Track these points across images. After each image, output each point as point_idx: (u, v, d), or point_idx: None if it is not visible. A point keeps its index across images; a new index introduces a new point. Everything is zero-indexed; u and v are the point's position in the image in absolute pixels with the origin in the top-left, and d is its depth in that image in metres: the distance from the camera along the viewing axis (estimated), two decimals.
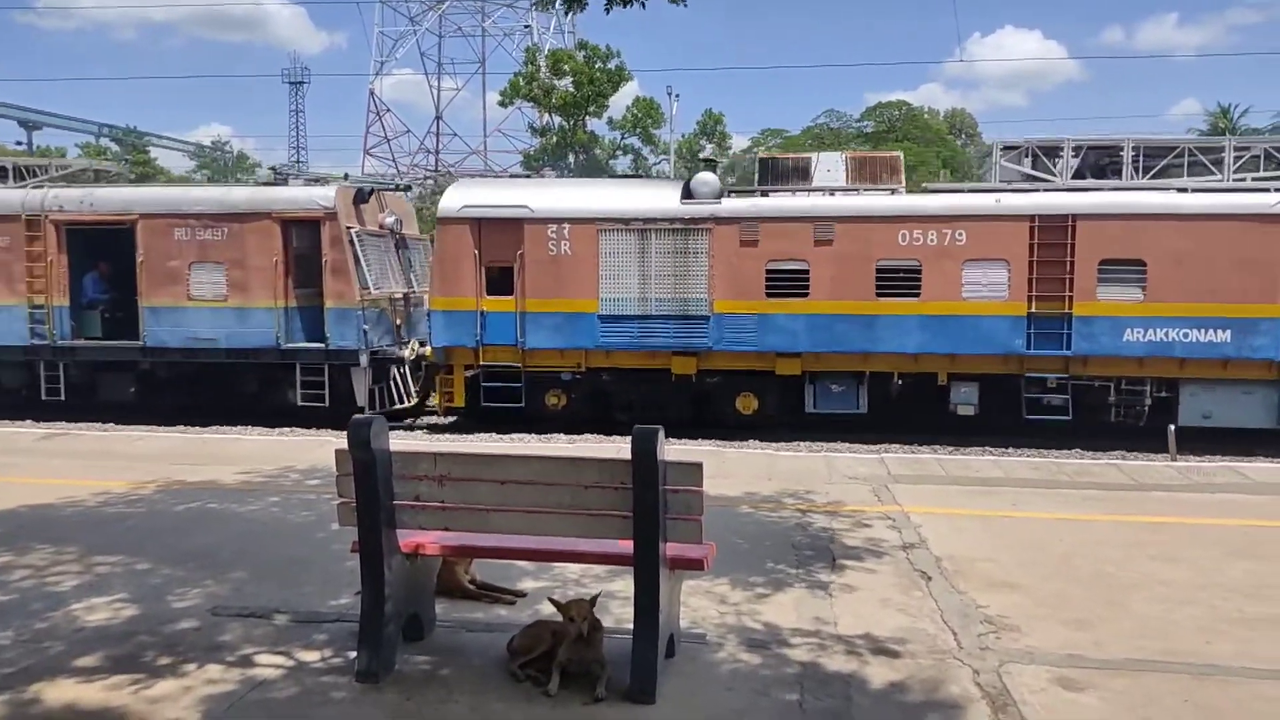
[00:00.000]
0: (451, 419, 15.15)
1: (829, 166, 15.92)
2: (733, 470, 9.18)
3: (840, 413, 13.74)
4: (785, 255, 13.52)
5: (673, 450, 4.46)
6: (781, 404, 13.99)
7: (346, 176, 20.87)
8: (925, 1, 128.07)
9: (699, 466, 4.14)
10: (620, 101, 47.53)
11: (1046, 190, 14.09)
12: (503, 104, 52.55)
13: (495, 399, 14.12)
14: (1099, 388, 13.37)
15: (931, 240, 13.14)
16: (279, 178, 16.44)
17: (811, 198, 14.28)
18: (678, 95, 35.12)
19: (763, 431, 13.36)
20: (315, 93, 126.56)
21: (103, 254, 15.54)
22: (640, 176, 26.38)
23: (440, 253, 14.39)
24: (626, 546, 4.12)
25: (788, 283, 13.47)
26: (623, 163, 48.16)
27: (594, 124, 47.33)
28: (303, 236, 14.59)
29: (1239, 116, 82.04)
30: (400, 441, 7.23)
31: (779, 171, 16.04)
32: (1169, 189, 13.53)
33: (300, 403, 14.58)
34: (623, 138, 48.75)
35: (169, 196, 15.66)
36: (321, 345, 14.40)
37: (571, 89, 44.21)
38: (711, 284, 13.56)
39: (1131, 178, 15.35)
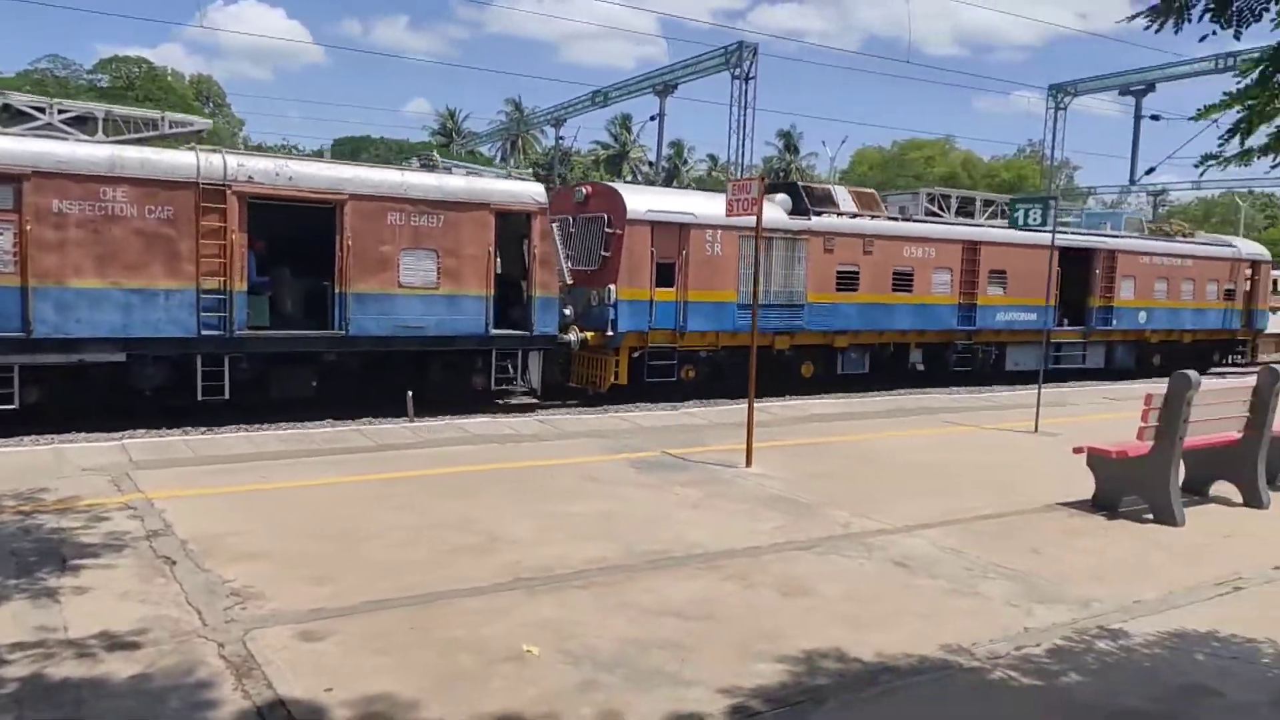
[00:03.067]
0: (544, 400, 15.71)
1: (842, 196, 19.45)
2: None
3: (856, 373, 18.92)
4: (848, 261, 18.39)
5: None
6: (827, 369, 18.62)
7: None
8: None
9: None
10: None
11: (968, 225, 21.02)
12: None
13: (653, 375, 16.39)
14: (981, 348, 20.70)
15: (919, 254, 19.14)
16: (426, 164, 16.46)
17: (858, 220, 18.79)
18: None
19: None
20: None
21: (262, 232, 13.07)
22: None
23: (627, 250, 15.89)
24: None
25: (847, 281, 18.32)
26: None
27: None
28: (510, 228, 14.68)
29: (463, 120, 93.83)
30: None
31: (815, 196, 18.83)
32: (997, 227, 20.82)
33: (494, 386, 14.71)
34: None
35: (385, 178, 13.78)
36: (525, 332, 14.66)
37: None
38: (807, 281, 17.76)
39: (973, 216, 22.12)
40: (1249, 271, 26.14)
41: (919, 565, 6.16)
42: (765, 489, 8.19)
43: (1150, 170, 35.67)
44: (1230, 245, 26.73)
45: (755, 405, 9.65)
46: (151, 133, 13.50)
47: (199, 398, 12.40)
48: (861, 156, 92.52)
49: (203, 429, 11.95)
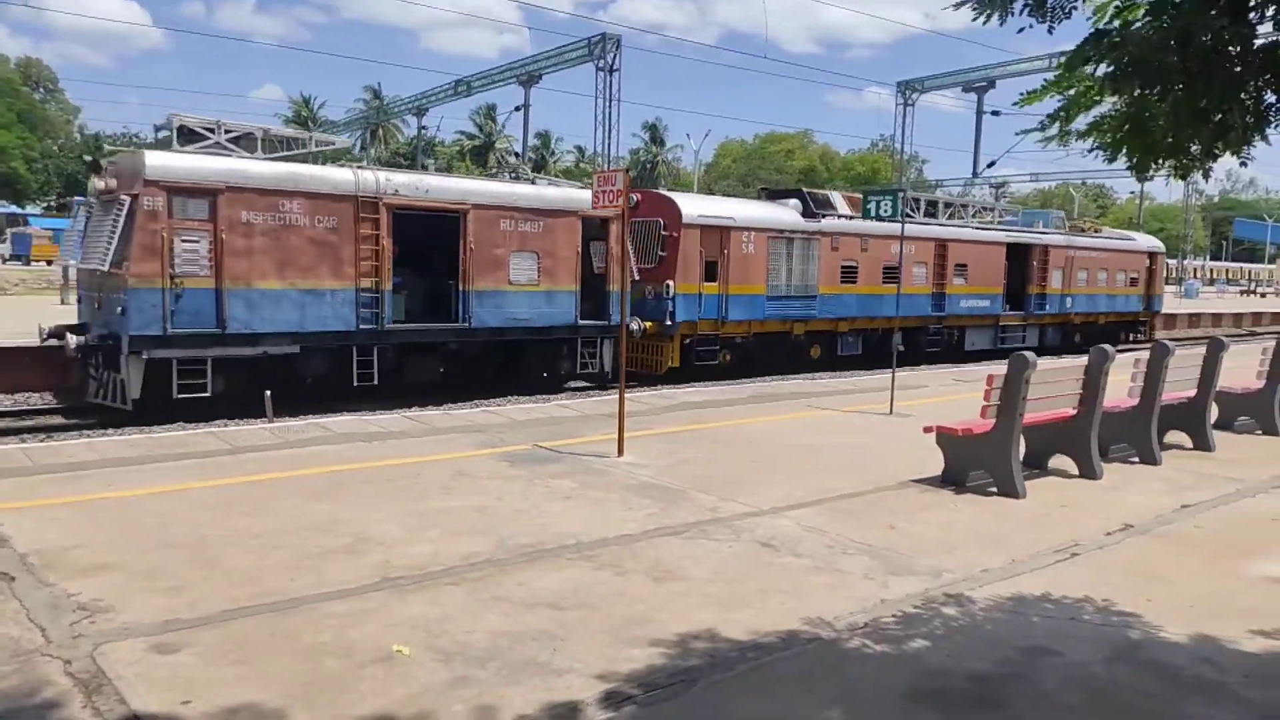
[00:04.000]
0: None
1: (838, 200, 22.11)
2: None
3: (852, 354, 21.59)
4: (849, 257, 21.22)
5: None
6: (830, 351, 21.30)
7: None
8: None
9: None
10: None
11: (936, 224, 23.55)
12: None
13: (699, 359, 18.83)
14: (948, 330, 23.93)
15: (903, 251, 18.60)
16: (514, 176, 19.19)
17: (855, 222, 21.21)
18: None
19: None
20: None
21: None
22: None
23: (682, 251, 18.29)
24: None
25: (849, 274, 21.21)
26: None
27: None
28: (591, 231, 16.94)
29: (319, 107, 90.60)
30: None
31: (818, 201, 21.60)
32: (968, 226, 24.48)
33: (578, 370, 17.21)
34: None
35: (498, 190, 16.38)
36: (604, 322, 17.03)
37: None
38: (819, 275, 20.57)
39: (937, 217, 24.11)
40: (1148, 262, 30.09)
41: (784, 545, 6.37)
42: (636, 477, 8.29)
43: (992, 163, 37.83)
44: (1133, 239, 30.99)
45: (626, 395, 9.74)
46: (300, 150, 15.32)
47: (354, 384, 14.47)
48: (725, 149, 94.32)
49: (42, 436, 11.18)
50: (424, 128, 51.60)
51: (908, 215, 23.87)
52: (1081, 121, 4.24)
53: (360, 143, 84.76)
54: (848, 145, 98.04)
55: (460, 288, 15.41)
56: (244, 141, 14.45)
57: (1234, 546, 6.69)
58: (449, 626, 4.80)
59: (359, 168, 15.05)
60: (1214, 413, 10.89)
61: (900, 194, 12.97)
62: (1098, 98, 4.14)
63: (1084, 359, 8.86)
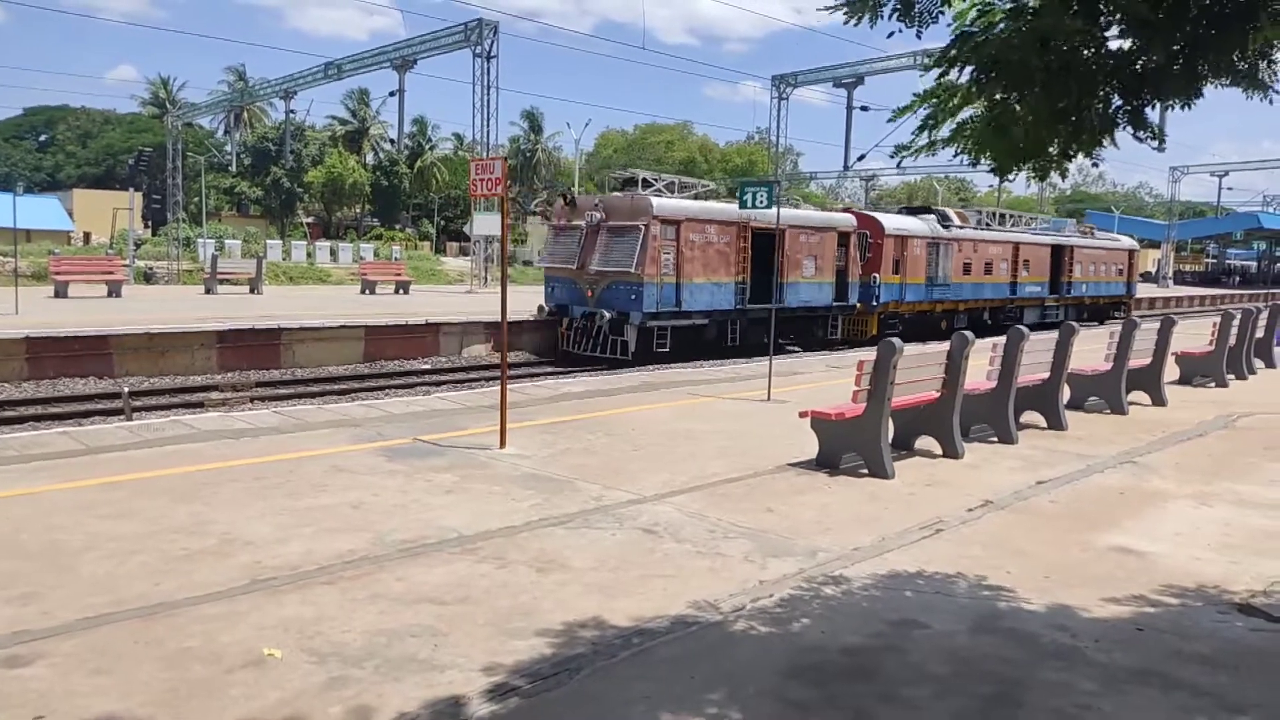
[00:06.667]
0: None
1: (953, 214, 29.95)
2: None
3: (961, 326, 24.83)
4: (966, 256, 29.09)
5: None
6: (950, 325, 26.38)
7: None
8: None
9: None
10: None
11: (1014, 231, 31.85)
12: None
13: (885, 330, 25.54)
14: (1016, 309, 31.50)
15: (994, 251, 28.66)
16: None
17: (967, 230, 29.49)
18: None
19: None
20: None
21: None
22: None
23: (884, 253, 26.26)
24: None
25: (965, 269, 29.01)
26: None
27: None
28: (825, 242, 24.40)
29: (178, 89, 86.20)
30: None
31: (945, 215, 29.44)
32: (1027, 232, 32.60)
33: (829, 336, 25.08)
34: None
35: (800, 214, 24.77)
36: (845, 303, 25.28)
37: None
38: (951, 269, 28.45)
39: (1005, 223, 32.37)
40: (1128, 258, 39.40)
41: (666, 531, 6.45)
42: (520, 469, 8.24)
43: (861, 157, 39.11)
44: (1119, 240, 40.52)
45: (509, 386, 9.66)
46: (688, 191, 22.89)
47: (728, 342, 22.18)
48: (606, 139, 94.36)
49: None
50: (292, 111, 49.63)
51: (986, 225, 31.76)
52: (946, 129, 4.43)
53: (224, 126, 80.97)
54: (726, 137, 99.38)
55: (777, 280, 20.52)
56: (643, 184, 21.84)
57: (1085, 519, 7.14)
58: (324, 627, 4.67)
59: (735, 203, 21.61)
60: (1066, 394, 11.57)
61: (775, 185, 13.27)
62: (961, 104, 4.33)
63: (946, 345, 9.27)
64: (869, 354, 8.62)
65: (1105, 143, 4.33)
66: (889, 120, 4.52)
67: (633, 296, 20.24)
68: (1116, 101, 4.20)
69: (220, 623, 4.68)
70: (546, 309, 22.70)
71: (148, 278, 35.86)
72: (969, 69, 4.11)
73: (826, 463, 8.54)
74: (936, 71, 4.18)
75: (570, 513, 6.87)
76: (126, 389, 12.16)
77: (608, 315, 20.63)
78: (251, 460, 8.32)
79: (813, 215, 25.36)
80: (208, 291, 29.74)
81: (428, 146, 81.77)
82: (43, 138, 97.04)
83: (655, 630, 4.75)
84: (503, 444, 9.09)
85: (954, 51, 4.07)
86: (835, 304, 24.99)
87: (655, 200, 20.66)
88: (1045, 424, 11.02)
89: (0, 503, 6.66)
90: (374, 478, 7.79)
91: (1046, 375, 11.05)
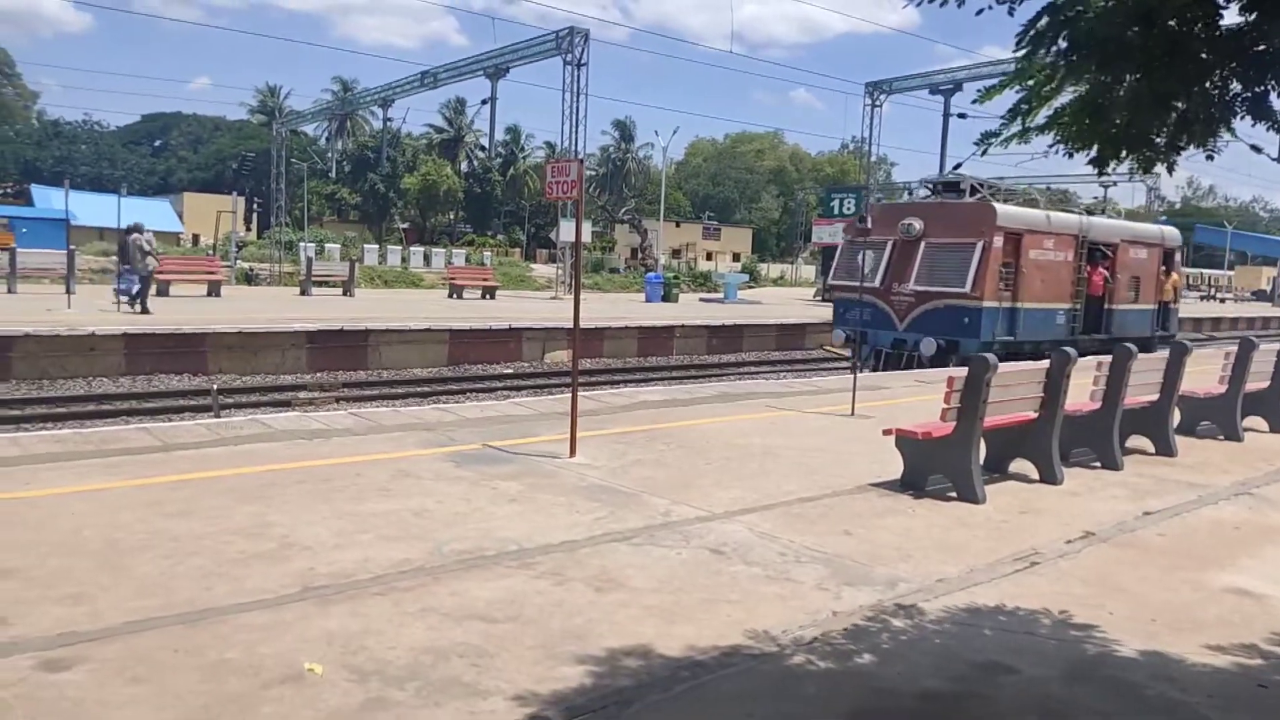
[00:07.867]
0: None
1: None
2: None
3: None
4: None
5: None
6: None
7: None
8: None
9: None
10: None
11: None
12: None
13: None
14: None
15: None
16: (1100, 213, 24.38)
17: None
18: None
19: None
20: None
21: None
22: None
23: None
24: None
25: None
26: None
27: None
28: (1150, 259, 21.56)
29: (284, 97, 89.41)
30: None
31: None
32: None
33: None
34: None
35: (1127, 227, 22.30)
36: (1168, 333, 21.57)
37: None
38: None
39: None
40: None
41: (734, 552, 6.10)
42: (587, 479, 7.99)
43: (958, 165, 37.81)
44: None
45: (581, 394, 9.44)
46: (1015, 198, 20.51)
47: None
48: (695, 148, 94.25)
49: None
50: (390, 120, 50.85)
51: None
52: (1041, 116, 4.01)
53: (327, 134, 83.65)
54: (818, 146, 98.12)
55: (1107, 306, 20.02)
56: (969, 191, 19.32)
57: (1196, 556, 6.52)
58: (369, 641, 4.48)
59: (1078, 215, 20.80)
60: (1176, 417, 10.78)
61: (862, 192, 12.77)
62: (1056, 88, 3.90)
63: (1045, 362, 8.68)
64: (959, 370, 8.10)
65: (1221, 132, 3.84)
66: (974, 102, 4.12)
67: (966, 321, 17.40)
68: (1235, 87, 3.70)
69: (264, 632, 4.53)
70: (842, 336, 19.71)
71: (249, 279, 37.01)
72: (1056, 47, 3.67)
73: (911, 484, 8.05)
74: (1023, 52, 3.75)
75: (635, 528, 6.58)
76: (216, 386, 12.38)
77: (935, 344, 17.74)
78: (321, 462, 8.28)
79: (1139, 227, 22.54)
80: (303, 293, 30.54)
81: (521, 155, 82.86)
82: (157, 143, 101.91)
83: (714, 663, 4.42)
84: (572, 453, 8.86)
85: (1041, 24, 3.64)
86: (1160, 333, 21.17)
87: (999, 208, 18.07)
88: (1153, 449, 10.27)
89: (66, 498, 6.71)
90: (439, 484, 7.64)
91: (1155, 397, 10.31)
